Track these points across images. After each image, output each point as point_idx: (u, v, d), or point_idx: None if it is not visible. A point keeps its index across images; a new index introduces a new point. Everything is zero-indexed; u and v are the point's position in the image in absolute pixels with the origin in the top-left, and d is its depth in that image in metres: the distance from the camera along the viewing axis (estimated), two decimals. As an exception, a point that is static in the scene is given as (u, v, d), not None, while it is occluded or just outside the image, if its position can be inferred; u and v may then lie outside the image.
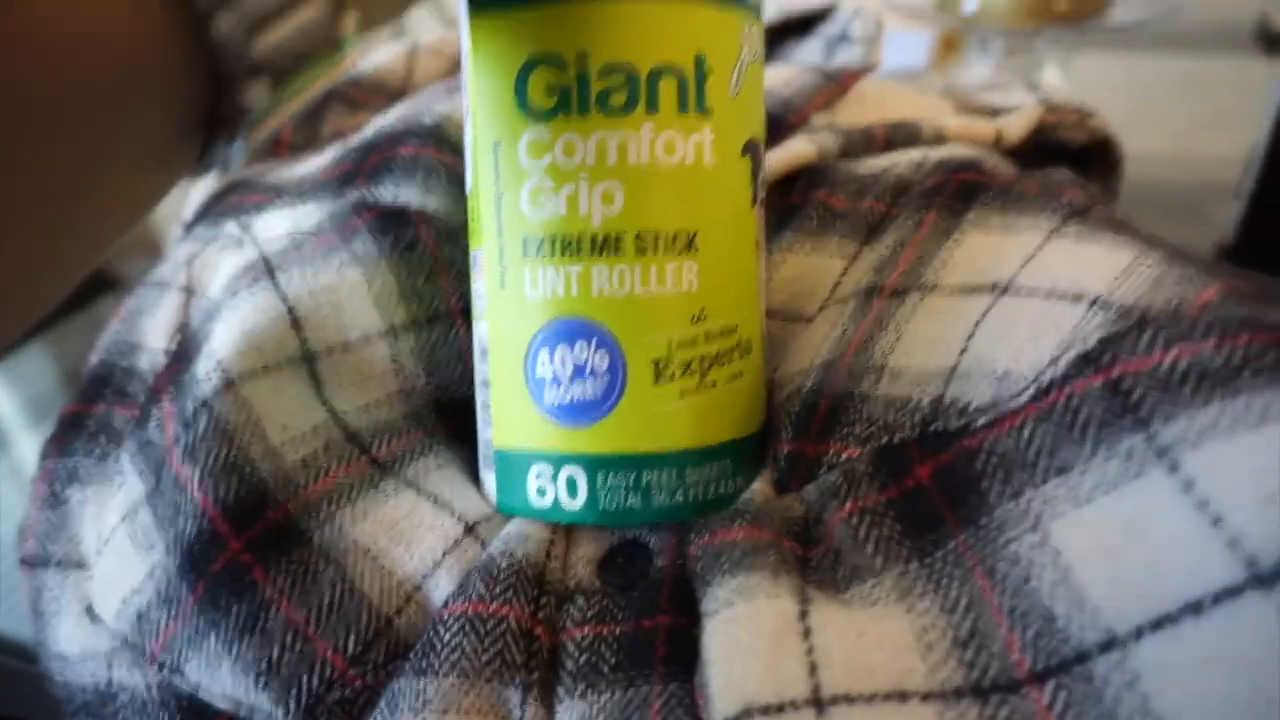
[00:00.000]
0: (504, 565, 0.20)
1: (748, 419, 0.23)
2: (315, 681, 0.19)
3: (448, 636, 0.19)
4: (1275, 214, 0.37)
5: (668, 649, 0.18)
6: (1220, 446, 0.15)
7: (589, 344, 0.21)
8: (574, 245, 0.20)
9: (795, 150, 0.28)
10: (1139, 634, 0.15)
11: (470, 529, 0.22)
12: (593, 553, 0.21)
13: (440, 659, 0.18)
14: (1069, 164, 0.36)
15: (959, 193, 0.24)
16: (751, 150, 0.22)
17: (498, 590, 0.20)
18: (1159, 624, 0.14)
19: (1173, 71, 0.71)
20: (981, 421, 0.18)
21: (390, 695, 0.18)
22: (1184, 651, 0.14)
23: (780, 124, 0.30)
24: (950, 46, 0.62)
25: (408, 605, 0.20)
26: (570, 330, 0.21)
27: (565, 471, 0.21)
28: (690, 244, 0.21)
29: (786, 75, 0.33)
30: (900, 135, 0.30)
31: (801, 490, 0.21)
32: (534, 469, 0.21)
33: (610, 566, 0.21)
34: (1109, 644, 0.15)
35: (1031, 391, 0.18)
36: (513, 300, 0.21)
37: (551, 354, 0.21)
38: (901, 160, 0.27)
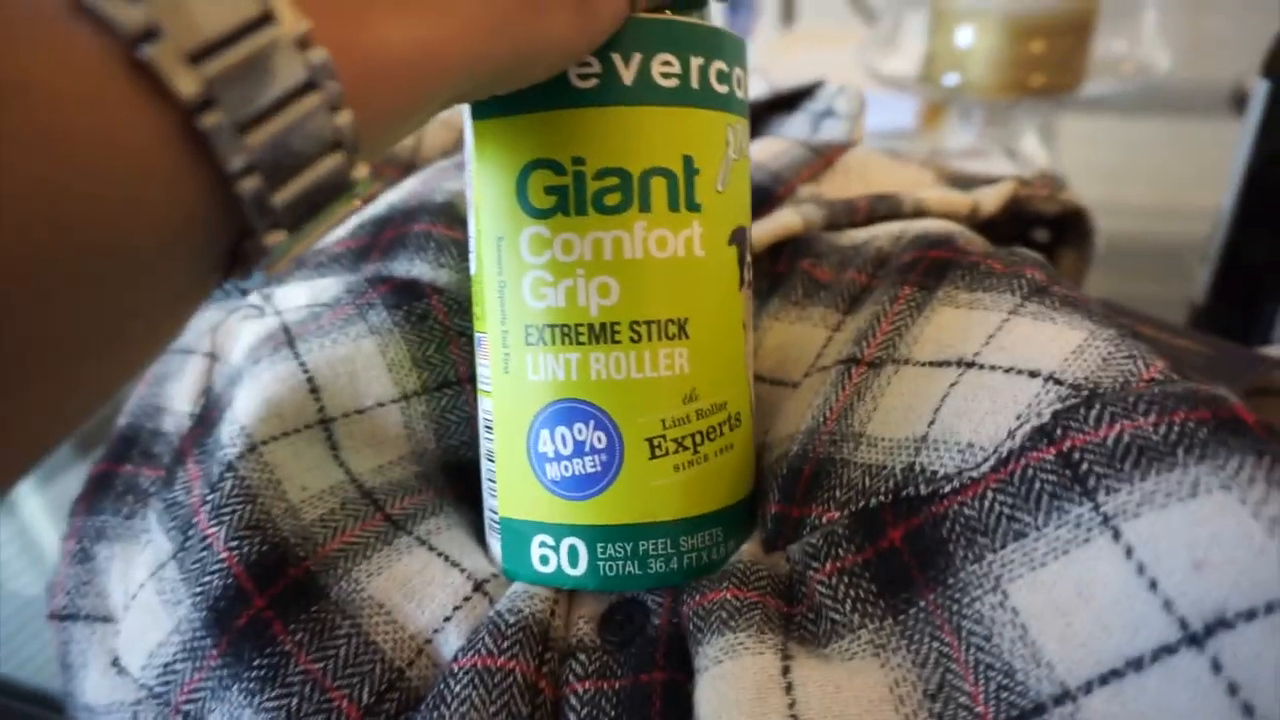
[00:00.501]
0: (511, 621, 0.21)
1: (738, 486, 0.24)
2: None
3: (458, 689, 0.20)
4: (1241, 277, 0.38)
5: (664, 703, 0.20)
6: (1157, 516, 0.16)
7: (587, 424, 0.22)
8: (573, 334, 0.22)
9: (783, 221, 0.30)
10: (1089, 687, 0.16)
11: (479, 586, 0.23)
12: (593, 611, 0.23)
13: (450, 710, 0.20)
14: (1047, 228, 0.38)
15: (931, 269, 0.26)
16: (738, 238, 0.23)
17: (505, 645, 0.21)
18: (1105, 678, 0.16)
19: (1154, 133, 0.74)
20: (948, 489, 0.20)
21: None
22: (1128, 703, 0.15)
23: (769, 195, 0.32)
24: (936, 113, 0.64)
25: (419, 658, 0.21)
26: (570, 412, 0.22)
27: (566, 541, 0.23)
28: (682, 329, 0.22)
29: (775, 149, 0.35)
30: (882, 208, 0.32)
31: (787, 549, 0.22)
32: (537, 538, 0.23)
33: (610, 624, 0.22)
34: (1062, 697, 0.16)
35: (992, 462, 0.19)
36: (516, 382, 0.23)
37: (552, 433, 0.22)
38: (881, 233, 0.29)
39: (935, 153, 0.52)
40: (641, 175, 0.21)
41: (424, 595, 0.22)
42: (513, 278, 0.22)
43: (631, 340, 0.22)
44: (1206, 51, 0.70)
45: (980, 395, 0.21)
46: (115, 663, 0.24)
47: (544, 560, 0.23)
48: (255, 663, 0.21)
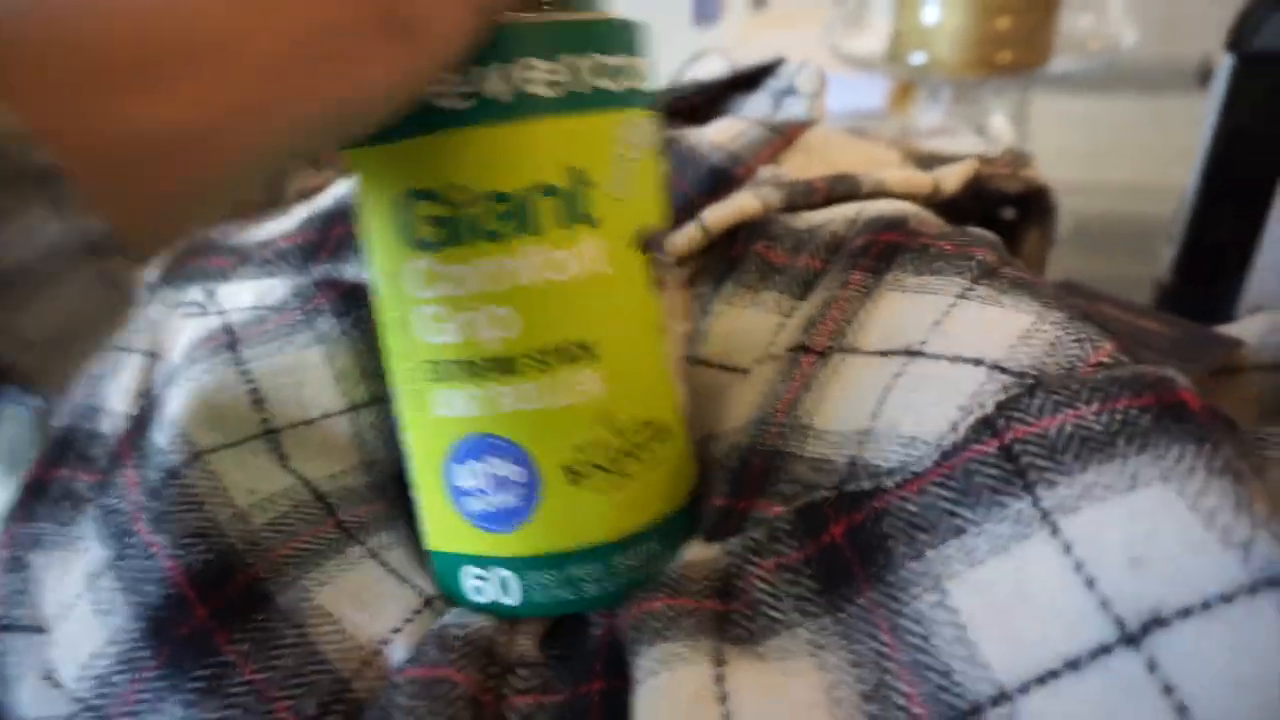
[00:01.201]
0: (457, 635, 0.21)
1: (671, 497, 0.23)
2: None
3: (403, 700, 0.19)
4: (1205, 255, 0.38)
5: (603, 712, 0.19)
6: (1095, 511, 0.16)
7: (501, 458, 0.21)
8: (475, 367, 0.21)
9: (740, 204, 0.29)
10: (1025, 688, 0.15)
11: (429, 602, 0.23)
12: (535, 627, 0.22)
13: (396, 719, 0.19)
14: (1012, 207, 0.38)
15: (882, 253, 0.25)
16: (646, 240, 0.22)
17: (452, 657, 0.20)
18: (1043, 679, 0.15)
19: (1124, 111, 0.73)
20: (890, 483, 0.19)
21: None
22: (1065, 704, 0.15)
23: (728, 177, 0.32)
24: (905, 92, 0.64)
25: (366, 669, 0.21)
26: (482, 446, 0.21)
27: (495, 572, 0.22)
28: (589, 351, 0.21)
29: (734, 130, 0.34)
30: (841, 188, 0.31)
31: (727, 542, 0.22)
32: (465, 569, 0.22)
33: (550, 638, 0.22)
34: (999, 698, 0.16)
35: (935, 456, 0.19)
36: (426, 418, 0.22)
37: (467, 468, 0.21)
38: (837, 216, 0.29)
39: (903, 132, 0.52)
40: (526, 196, 0.20)
41: (375, 607, 0.22)
42: (407, 314, 0.21)
43: (536, 370, 0.21)
44: (1175, 27, 0.70)
45: (924, 386, 0.20)
46: (49, 675, 0.23)
47: (477, 590, 0.22)
48: (196, 674, 0.20)
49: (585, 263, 0.20)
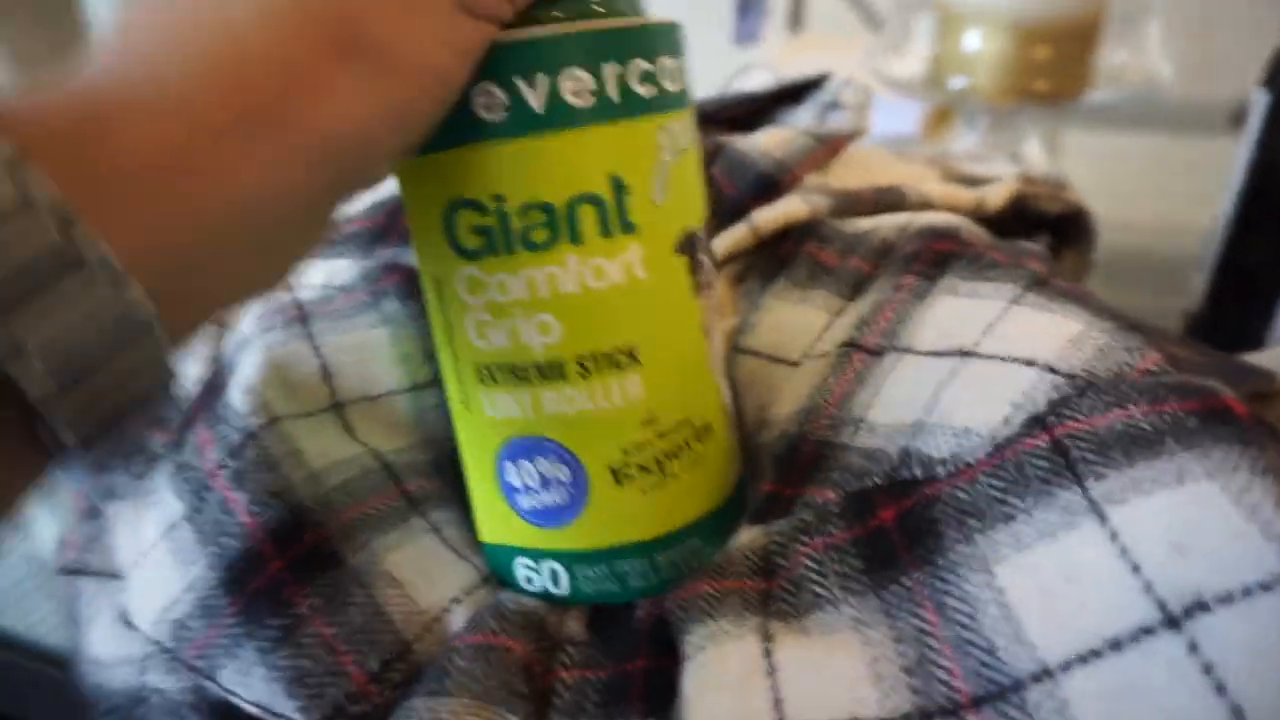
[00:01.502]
0: (512, 608, 0.22)
1: (714, 494, 0.24)
2: (339, 694, 0.20)
3: (461, 663, 0.20)
4: (1236, 283, 0.39)
5: (645, 688, 0.20)
6: (1142, 502, 0.17)
7: (548, 459, 0.22)
8: (521, 372, 0.21)
9: (789, 208, 0.30)
10: (1068, 666, 0.16)
11: (485, 579, 0.24)
12: (583, 610, 0.24)
13: (454, 681, 0.20)
14: (1047, 231, 0.39)
15: (935, 260, 0.26)
16: (687, 244, 0.22)
17: (507, 627, 0.22)
18: (1085, 658, 0.16)
19: (1156, 150, 0.74)
20: (942, 472, 0.20)
21: (404, 712, 0.20)
22: (1107, 682, 0.16)
23: (775, 183, 0.33)
24: (942, 118, 0.65)
25: (427, 634, 0.22)
26: (529, 447, 0.22)
27: (546, 565, 0.23)
28: (632, 356, 0.21)
29: (780, 138, 0.35)
30: (887, 199, 0.32)
31: (771, 524, 0.23)
32: (518, 560, 0.23)
33: (597, 619, 0.23)
34: (1041, 675, 0.17)
35: (987, 447, 0.20)
36: (476, 418, 0.23)
37: (517, 467, 0.22)
38: (886, 223, 0.30)
39: (940, 154, 0.53)
40: (567, 206, 0.20)
41: (437, 576, 0.23)
42: (456, 318, 0.22)
43: (580, 375, 0.21)
44: (1210, 68, 0.71)
45: (977, 383, 0.21)
46: (123, 618, 0.24)
47: (528, 580, 0.23)
48: (269, 622, 0.21)
49: (626, 270, 0.21)
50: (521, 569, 0.23)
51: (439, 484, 0.26)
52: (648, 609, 0.22)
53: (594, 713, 0.20)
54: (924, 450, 0.21)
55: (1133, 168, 0.72)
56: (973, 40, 0.49)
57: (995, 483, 0.19)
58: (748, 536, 0.23)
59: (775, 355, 0.27)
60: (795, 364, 0.27)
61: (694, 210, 0.23)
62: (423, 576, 0.23)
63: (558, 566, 0.23)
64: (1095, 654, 0.16)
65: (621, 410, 0.21)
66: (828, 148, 0.35)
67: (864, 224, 0.30)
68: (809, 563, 0.21)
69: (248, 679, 0.21)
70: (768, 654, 0.19)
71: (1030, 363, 0.21)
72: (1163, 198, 0.66)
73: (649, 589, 0.23)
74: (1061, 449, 0.18)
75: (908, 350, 0.24)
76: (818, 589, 0.20)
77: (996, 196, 0.34)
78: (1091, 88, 0.52)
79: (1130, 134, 0.74)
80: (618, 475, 0.22)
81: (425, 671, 0.21)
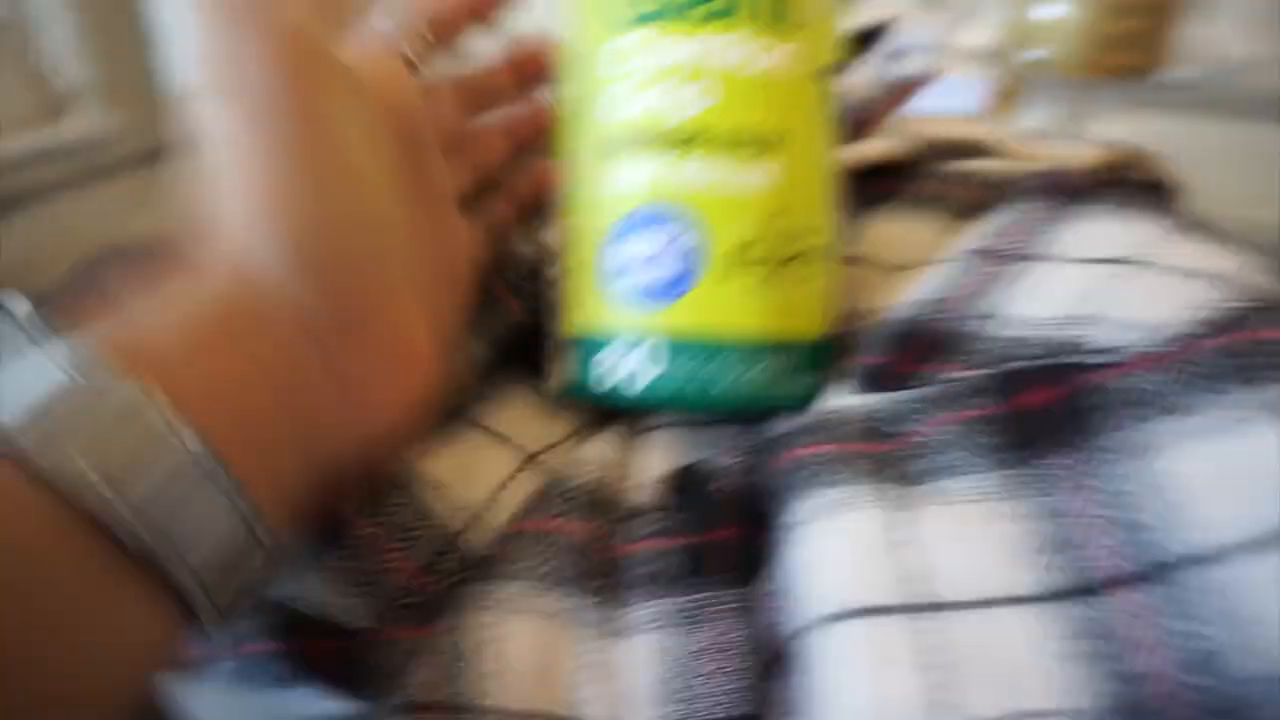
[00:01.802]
0: (573, 485, 0.22)
1: (815, 321, 0.24)
2: (390, 587, 0.20)
3: (519, 548, 0.20)
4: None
5: (728, 559, 0.20)
6: None
7: (670, 229, 0.22)
8: (665, 139, 0.22)
9: (881, 146, 0.30)
10: (1226, 553, 0.16)
11: (531, 458, 0.24)
12: (650, 479, 0.23)
13: (511, 566, 0.20)
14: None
15: (1064, 191, 0.25)
16: (826, 76, 0.24)
17: (567, 507, 0.21)
18: (1248, 545, 0.16)
19: (1233, 137, 0.72)
20: (1101, 360, 0.19)
21: (460, 599, 0.20)
22: (1269, 569, 0.15)
23: (857, 123, 0.32)
24: (1006, 97, 0.64)
25: (475, 523, 0.22)
26: (653, 217, 0.22)
27: (634, 352, 0.22)
28: (772, 144, 0.22)
29: (853, 82, 0.34)
30: (972, 150, 0.31)
31: (886, 393, 0.22)
32: (605, 352, 0.23)
33: (669, 488, 0.22)
34: (1197, 559, 0.16)
35: (1153, 342, 0.19)
36: (597, 196, 0.23)
37: (633, 240, 0.22)
38: (988, 165, 0.29)
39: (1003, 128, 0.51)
40: None
41: (478, 472, 0.23)
42: (598, 91, 0.23)
43: (722, 147, 0.22)
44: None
45: (1140, 285, 0.21)
46: None
47: (606, 376, 0.23)
48: (318, 528, 0.21)
49: (789, 60, 0.22)
50: (605, 361, 0.23)
51: (476, 378, 0.25)
52: (731, 477, 0.22)
53: (675, 584, 0.19)
54: (1078, 339, 0.20)
55: (1206, 156, 0.69)
56: (1055, 8, 0.48)
57: (1164, 376, 0.18)
58: (853, 402, 0.22)
59: (883, 264, 0.27)
60: (901, 268, 0.26)
61: (831, 54, 0.24)
62: (462, 478, 0.23)
63: (650, 353, 0.22)
64: (1259, 544, 0.16)
65: (751, 196, 0.22)
66: (899, 94, 0.35)
67: (963, 166, 0.30)
68: (942, 433, 0.20)
69: (303, 581, 0.20)
70: (892, 525, 0.18)
71: (1193, 274, 0.20)
72: (1236, 190, 0.65)
73: (728, 403, 0.22)
74: (1233, 353, 0.18)
75: (1050, 258, 0.23)
76: (957, 455, 0.19)
77: (1083, 157, 0.33)
78: (1167, 65, 0.50)
79: (1206, 121, 0.72)
80: (734, 258, 0.22)
81: (480, 561, 0.21)
